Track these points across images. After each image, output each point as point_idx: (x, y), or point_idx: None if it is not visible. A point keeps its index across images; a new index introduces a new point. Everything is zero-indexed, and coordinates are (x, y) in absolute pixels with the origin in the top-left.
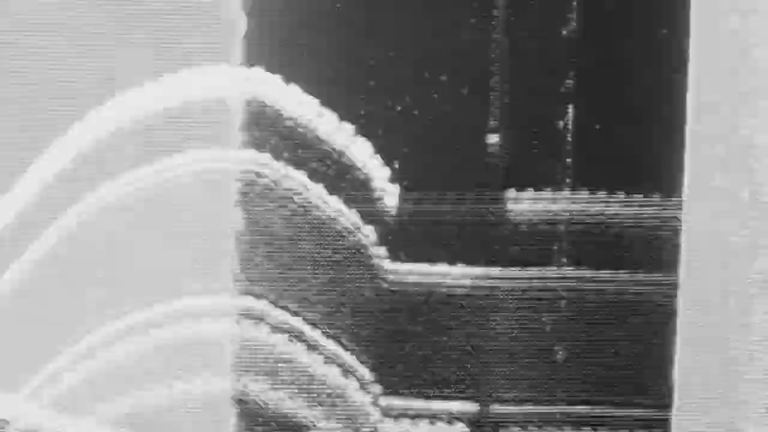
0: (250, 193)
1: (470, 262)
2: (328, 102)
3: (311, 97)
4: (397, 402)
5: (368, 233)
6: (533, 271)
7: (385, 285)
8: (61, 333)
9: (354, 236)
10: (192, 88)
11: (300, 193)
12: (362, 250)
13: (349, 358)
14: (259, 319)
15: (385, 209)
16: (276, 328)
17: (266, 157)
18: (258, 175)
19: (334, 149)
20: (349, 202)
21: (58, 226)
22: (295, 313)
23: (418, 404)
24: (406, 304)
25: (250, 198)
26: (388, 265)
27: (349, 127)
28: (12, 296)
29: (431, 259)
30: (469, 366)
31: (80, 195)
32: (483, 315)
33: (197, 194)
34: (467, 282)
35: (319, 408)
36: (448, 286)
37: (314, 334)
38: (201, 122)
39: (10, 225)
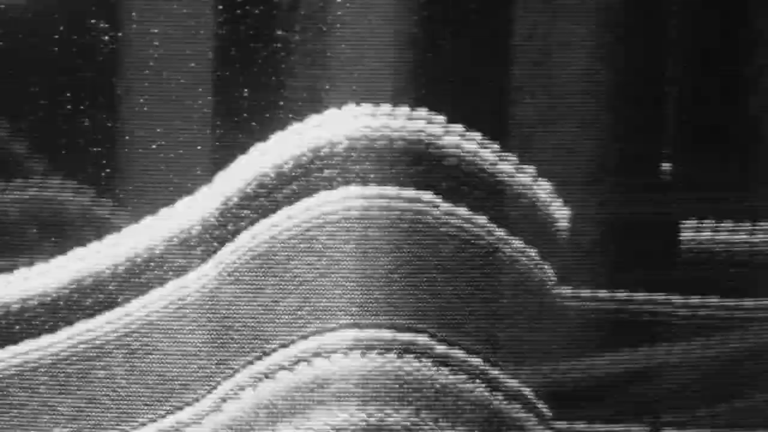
0: (413, 230)
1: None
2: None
3: (475, 132)
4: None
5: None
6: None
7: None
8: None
9: (522, 264)
10: (353, 125)
11: (462, 227)
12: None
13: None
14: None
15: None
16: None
17: (429, 194)
18: (420, 212)
19: (500, 181)
20: (514, 231)
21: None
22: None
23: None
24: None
25: (413, 235)
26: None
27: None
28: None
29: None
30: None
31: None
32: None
33: (357, 230)
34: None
35: None
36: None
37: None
38: (361, 159)
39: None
